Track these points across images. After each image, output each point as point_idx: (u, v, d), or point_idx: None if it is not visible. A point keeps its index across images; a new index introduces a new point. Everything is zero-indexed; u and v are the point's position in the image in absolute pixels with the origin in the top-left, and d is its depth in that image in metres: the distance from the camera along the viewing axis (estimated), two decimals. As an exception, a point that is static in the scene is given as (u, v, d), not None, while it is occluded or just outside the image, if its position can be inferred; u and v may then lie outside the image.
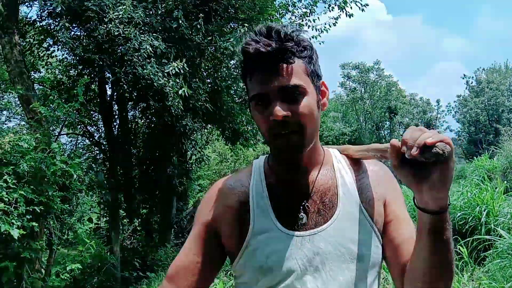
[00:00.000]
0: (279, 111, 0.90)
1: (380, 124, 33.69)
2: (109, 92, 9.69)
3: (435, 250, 0.87)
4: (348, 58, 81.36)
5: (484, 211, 5.25)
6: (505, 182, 7.34)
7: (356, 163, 1.09)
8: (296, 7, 10.34)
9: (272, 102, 0.92)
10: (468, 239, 5.07)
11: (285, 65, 0.92)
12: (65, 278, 5.96)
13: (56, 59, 9.63)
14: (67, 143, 11.46)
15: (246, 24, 7.88)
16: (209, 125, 10.41)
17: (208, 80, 9.22)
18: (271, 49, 0.91)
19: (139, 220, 10.53)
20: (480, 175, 8.11)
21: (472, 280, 4.62)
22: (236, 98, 10.03)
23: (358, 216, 1.00)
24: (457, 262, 4.78)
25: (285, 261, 0.95)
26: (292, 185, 1.02)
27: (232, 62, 9.63)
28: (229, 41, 7.48)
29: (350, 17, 9.31)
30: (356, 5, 9.20)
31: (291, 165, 1.02)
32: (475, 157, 12.91)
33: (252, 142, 11.25)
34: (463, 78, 31.01)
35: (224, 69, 8.77)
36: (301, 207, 0.99)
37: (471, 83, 30.74)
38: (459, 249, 4.83)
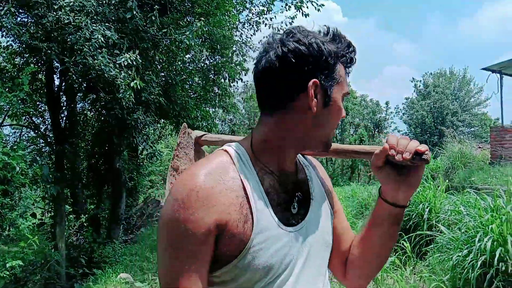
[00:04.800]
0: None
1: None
2: (57, 82, 9.30)
3: (394, 236, 1.06)
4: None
5: (427, 208, 5.50)
6: (447, 181, 7.73)
7: (306, 158, 1.14)
8: (254, 4, 10.40)
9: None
10: (411, 234, 5.30)
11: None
12: (4, 275, 5.67)
13: (0, 45, 9.09)
14: (10, 134, 10.90)
15: (202, 19, 7.80)
16: (162, 120, 10.22)
17: (162, 74, 9.05)
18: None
19: (86, 215, 10.18)
20: (424, 174, 8.51)
21: (414, 274, 4.84)
22: (191, 93, 9.92)
23: (326, 207, 1.09)
24: (401, 256, 4.99)
25: (284, 258, 0.94)
26: (285, 178, 1.01)
27: (188, 56, 9.51)
28: (185, 34, 7.36)
29: (306, 17, 9.46)
30: (312, 5, 9.36)
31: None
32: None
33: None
34: (411, 82, 32.30)
35: (179, 62, 8.64)
36: (295, 199, 1.00)
37: (419, 86, 32.06)
38: (403, 244, 5.04)
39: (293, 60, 0.92)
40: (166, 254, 0.88)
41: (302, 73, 0.93)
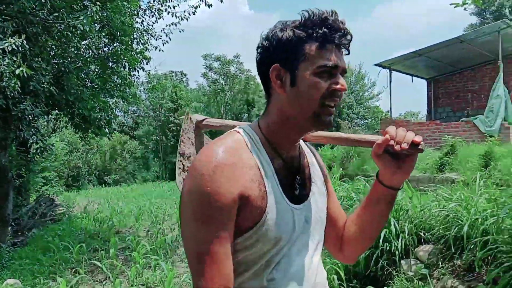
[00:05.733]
0: (345, 84, 1.04)
1: (239, 115, 34.90)
2: None
3: (386, 214, 1.19)
4: (212, 49, 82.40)
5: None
6: (341, 169, 8.22)
7: (305, 145, 1.26)
8: (156, -9, 10.03)
9: (337, 75, 1.03)
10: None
11: (344, 51, 1.06)
12: None
13: None
14: None
15: (98, 3, 7.32)
16: (55, 111, 9.45)
17: (55, 61, 8.34)
18: (349, 34, 1.05)
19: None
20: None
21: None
22: (88, 82, 9.30)
23: (323, 189, 1.21)
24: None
25: (291, 232, 1.05)
26: (290, 160, 1.12)
27: (84, 42, 8.88)
28: (79, 19, 6.84)
29: (209, 7, 9.39)
30: (215, -5, 9.31)
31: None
32: (319, 148, 14.24)
33: (106, 130, 10.59)
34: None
35: (73, 49, 8.03)
36: (296, 181, 1.11)
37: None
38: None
39: (260, 55, 1.08)
40: (195, 224, 0.96)
41: (267, 62, 1.06)
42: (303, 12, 1.04)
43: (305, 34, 1.02)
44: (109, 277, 6.16)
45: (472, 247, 3.86)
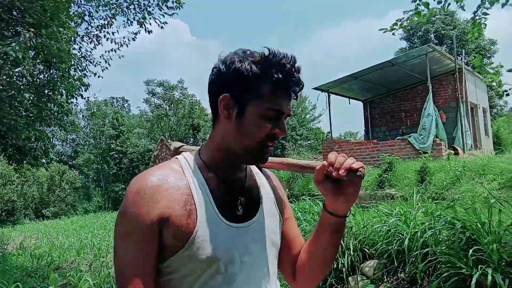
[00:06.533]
0: (286, 129, 1.09)
1: (184, 140, 34.55)
2: None
3: (336, 243, 1.18)
4: (154, 75, 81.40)
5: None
6: (287, 190, 8.34)
7: (260, 169, 1.28)
8: (93, 17, 9.84)
9: (282, 120, 1.08)
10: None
11: (293, 96, 1.10)
12: None
13: None
14: None
15: (32, 30, 7.05)
16: (-13, 142, 8.85)
17: (-16, 89, 7.85)
18: (301, 84, 1.09)
19: None
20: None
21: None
22: (22, 111, 8.83)
23: (275, 211, 1.21)
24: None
25: (229, 251, 1.04)
26: (231, 182, 1.13)
27: (16, 69, 8.47)
28: (11, 46, 6.54)
29: (149, 33, 9.33)
30: (156, 22, 9.29)
31: (239, 168, 1.16)
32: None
33: (43, 161, 10.05)
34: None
35: (5, 77, 7.63)
36: (238, 202, 1.11)
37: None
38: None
39: (213, 77, 1.08)
40: (120, 245, 1.00)
41: (219, 88, 1.07)
42: (264, 49, 1.05)
43: (261, 73, 1.03)
44: (48, 318, 5.75)
45: (413, 259, 4.03)
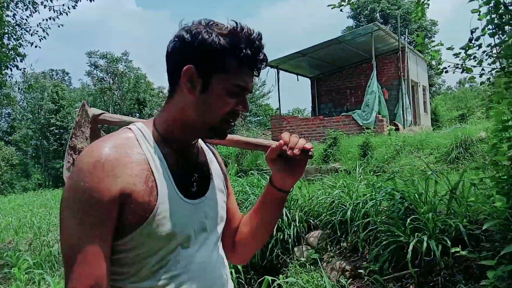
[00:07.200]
0: (248, 106, 1.09)
1: (130, 115, 33.53)
2: None
3: (277, 216, 1.27)
4: (97, 46, 77.68)
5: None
6: (236, 165, 8.38)
7: (207, 144, 1.28)
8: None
9: (245, 97, 1.07)
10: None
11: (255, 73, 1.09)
12: None
13: None
14: None
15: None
16: None
17: None
18: (266, 61, 1.09)
19: None
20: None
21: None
22: None
23: (222, 187, 1.23)
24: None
25: (186, 228, 1.04)
26: (186, 158, 1.12)
27: None
28: None
29: (91, 1, 8.82)
30: (96, -11, 8.79)
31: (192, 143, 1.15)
32: (214, 145, 14.37)
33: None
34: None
35: None
36: (193, 178, 1.11)
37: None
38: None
39: (175, 46, 1.02)
40: (71, 221, 0.91)
41: (181, 58, 1.02)
42: (231, 22, 1.02)
43: (229, 47, 1.00)
44: (-16, 299, 5.48)
45: (355, 229, 4.21)
